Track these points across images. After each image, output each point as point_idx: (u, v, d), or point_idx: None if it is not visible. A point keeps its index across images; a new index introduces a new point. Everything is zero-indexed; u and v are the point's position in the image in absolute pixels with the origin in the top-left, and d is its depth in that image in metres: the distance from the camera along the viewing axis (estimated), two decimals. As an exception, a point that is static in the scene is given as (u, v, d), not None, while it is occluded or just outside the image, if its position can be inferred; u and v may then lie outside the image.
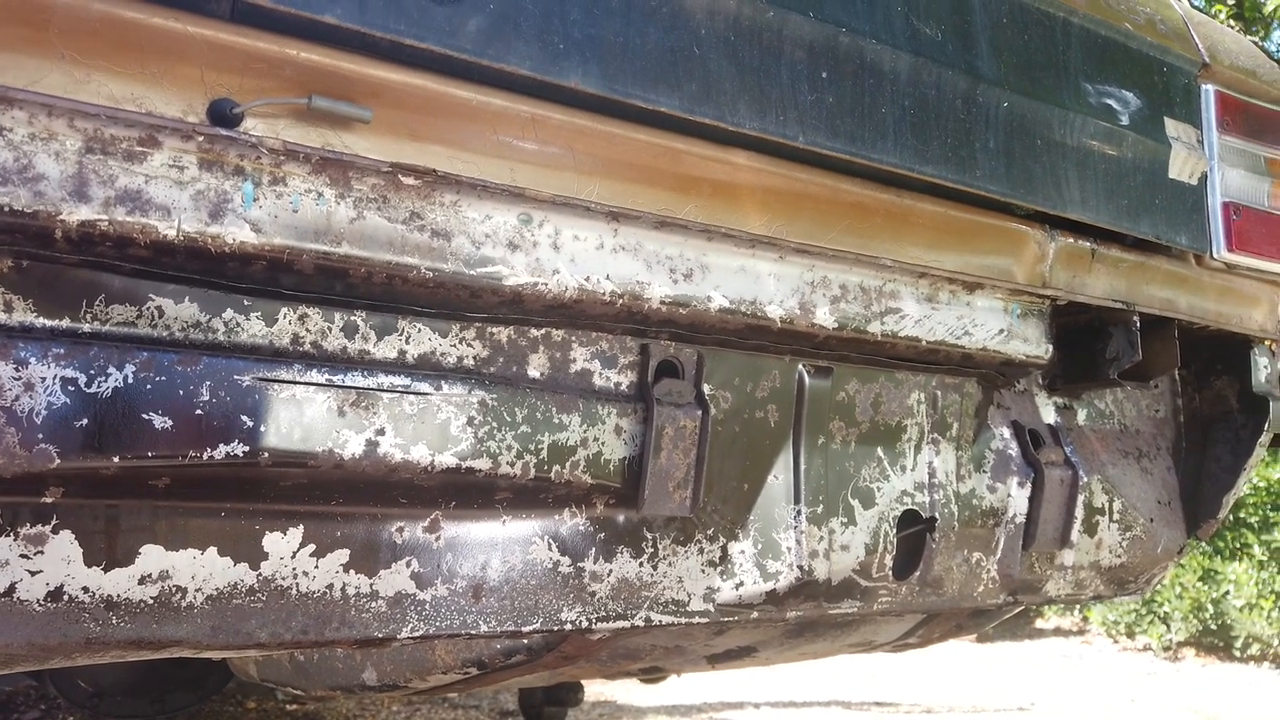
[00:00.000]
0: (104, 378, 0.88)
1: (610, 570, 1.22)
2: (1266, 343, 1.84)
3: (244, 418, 0.94)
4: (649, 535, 1.25)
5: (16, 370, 0.84)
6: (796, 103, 1.20)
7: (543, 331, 1.18)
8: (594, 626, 1.21)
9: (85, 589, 0.92)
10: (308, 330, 1.02)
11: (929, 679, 5.80)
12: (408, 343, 1.08)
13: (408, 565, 1.09)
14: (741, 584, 1.31)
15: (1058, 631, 7.98)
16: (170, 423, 0.90)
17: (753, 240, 1.24)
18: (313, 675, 1.64)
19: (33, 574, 0.89)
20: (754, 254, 1.26)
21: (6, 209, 0.83)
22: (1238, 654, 6.66)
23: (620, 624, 1.23)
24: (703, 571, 1.29)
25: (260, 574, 1.00)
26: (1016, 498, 1.56)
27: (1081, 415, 1.75)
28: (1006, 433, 1.58)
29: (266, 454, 0.95)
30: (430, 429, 1.04)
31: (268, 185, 0.94)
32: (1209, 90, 1.69)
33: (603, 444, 1.17)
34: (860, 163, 1.26)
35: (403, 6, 0.94)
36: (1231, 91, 1.71)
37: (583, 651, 1.39)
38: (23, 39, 0.82)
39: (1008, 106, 1.40)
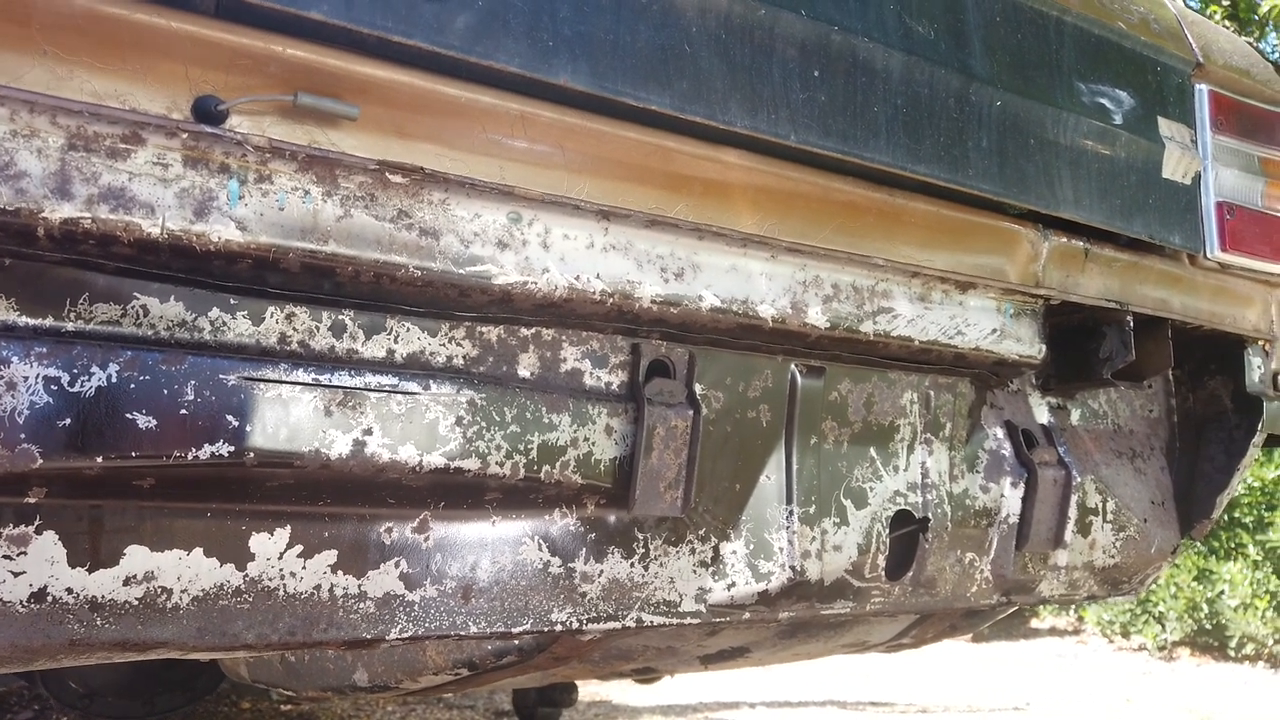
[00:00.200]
0: (87, 377, 0.87)
1: (601, 571, 1.21)
2: (1260, 343, 1.84)
3: (230, 417, 0.93)
4: (640, 536, 1.24)
5: (-2, 369, 0.83)
6: (788, 101, 1.19)
7: (533, 331, 1.17)
8: (585, 627, 1.21)
9: (69, 590, 0.91)
10: (295, 329, 1.02)
11: (924, 679, 5.80)
12: (396, 342, 1.08)
13: (396, 566, 1.08)
14: (733, 584, 1.31)
15: (1053, 631, 7.99)
16: (155, 422, 0.89)
17: (744, 239, 1.24)
18: (304, 676, 1.63)
19: (15, 575, 0.88)
20: (745, 253, 1.25)
21: None
22: (1232, 654, 6.67)
23: (611, 625, 1.22)
24: (694, 572, 1.28)
25: (247, 575, 0.99)
26: (1010, 498, 1.55)
27: (1075, 415, 1.75)
28: (1000, 433, 1.57)
29: (253, 454, 0.94)
30: (419, 429, 1.04)
31: (253, 183, 0.93)
32: (1202, 90, 1.69)
33: (593, 444, 1.16)
34: (852, 162, 1.26)
35: (390, 3, 0.94)
36: (1225, 91, 1.71)
37: (574, 652, 1.38)
38: (3, 35, 0.81)
39: (1001, 105, 1.39)
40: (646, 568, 1.25)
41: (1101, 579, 1.74)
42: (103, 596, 0.92)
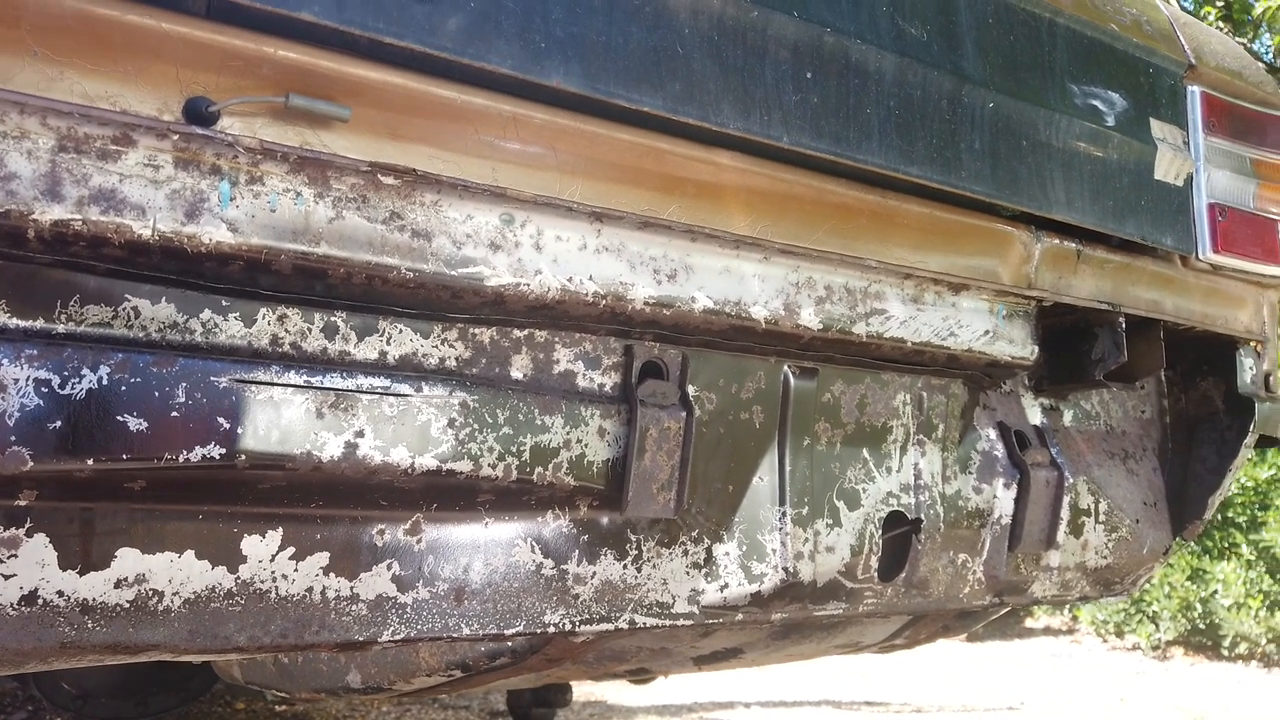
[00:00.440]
0: (78, 379, 0.87)
1: (594, 572, 1.21)
2: (1252, 344, 1.84)
3: (221, 420, 0.93)
4: (633, 537, 1.24)
5: (-12, 372, 0.83)
6: (781, 103, 1.19)
7: (525, 332, 1.17)
8: (578, 629, 1.21)
9: (60, 593, 0.91)
10: (287, 331, 1.01)
11: (919, 678, 5.81)
12: (388, 344, 1.07)
13: (389, 568, 1.08)
14: (726, 586, 1.31)
15: (1047, 631, 8.01)
16: (146, 425, 0.89)
17: (737, 241, 1.24)
18: (297, 678, 1.63)
19: (6, 578, 0.88)
20: (738, 255, 1.26)
21: None
22: (1226, 653, 6.69)
23: (604, 626, 1.22)
24: (687, 573, 1.28)
25: (239, 577, 0.99)
26: (1002, 499, 1.56)
27: (1067, 416, 1.75)
28: (992, 434, 1.58)
29: (244, 456, 0.94)
30: (411, 431, 1.03)
31: (245, 184, 0.93)
32: (1195, 91, 1.69)
33: (586, 445, 1.16)
34: (845, 163, 1.26)
35: (381, 4, 0.93)
36: (1217, 93, 1.72)
37: (567, 654, 1.38)
38: (-6, 36, 0.81)
39: (993, 107, 1.40)
40: (639, 569, 1.25)
41: (1094, 579, 1.74)
42: (94, 599, 0.92)
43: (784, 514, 1.34)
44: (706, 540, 1.30)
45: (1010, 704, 5.17)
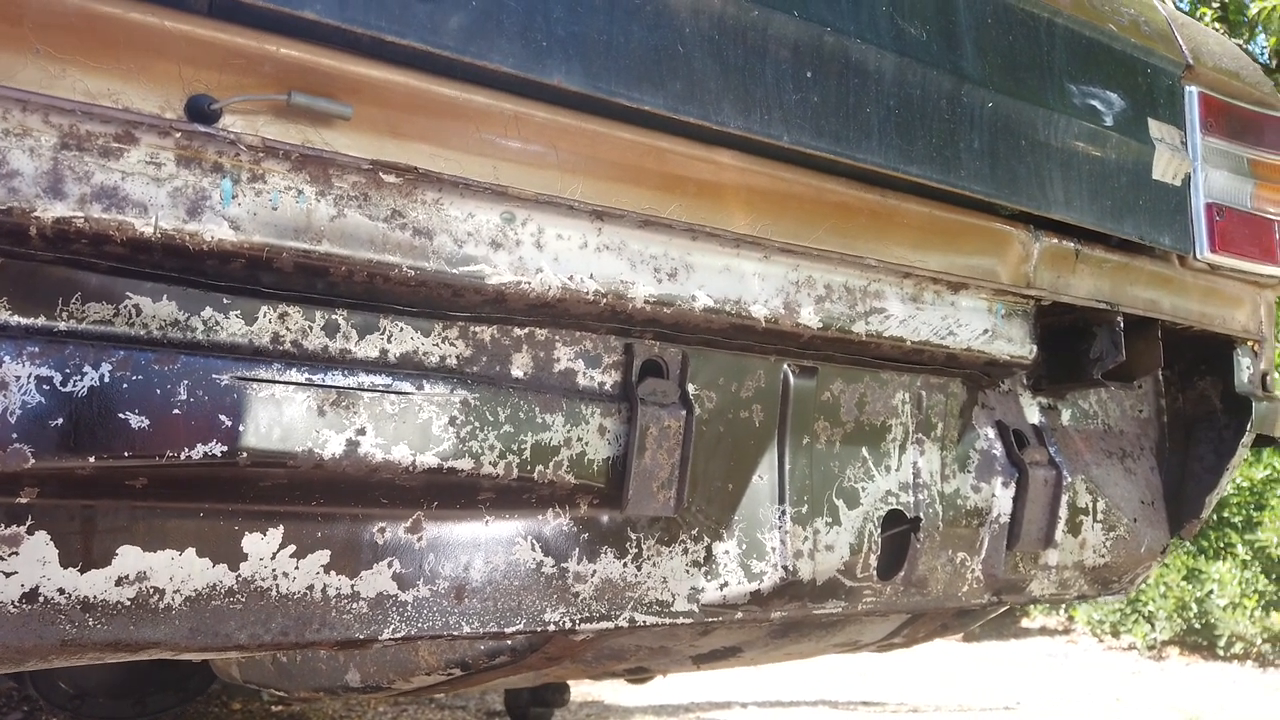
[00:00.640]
0: (80, 377, 0.87)
1: (594, 571, 1.21)
2: (1249, 343, 1.85)
3: (223, 417, 0.93)
4: (633, 535, 1.25)
5: (-10, 369, 0.83)
6: (781, 102, 1.19)
7: (526, 331, 1.17)
8: (578, 627, 1.21)
9: (61, 590, 0.91)
10: (288, 329, 1.01)
11: (916, 678, 5.81)
12: (389, 342, 1.08)
13: (389, 566, 1.08)
14: (726, 584, 1.31)
15: (1043, 631, 8.02)
16: (147, 422, 0.89)
17: (737, 240, 1.24)
18: (296, 677, 1.63)
19: (7, 575, 0.88)
20: (739, 253, 1.26)
21: None
22: (1221, 653, 6.70)
23: (604, 625, 1.23)
24: (687, 572, 1.29)
25: (239, 575, 0.99)
26: (1001, 498, 1.56)
27: (1066, 415, 1.75)
28: (991, 433, 1.58)
29: (245, 454, 0.94)
30: (412, 429, 1.04)
31: (247, 182, 0.93)
32: (1192, 92, 1.70)
33: (586, 444, 1.16)
34: (845, 162, 1.26)
35: (383, 2, 0.94)
36: (1215, 93, 1.72)
37: (567, 652, 1.38)
38: (-4, 33, 0.81)
39: (992, 107, 1.40)
40: (639, 568, 1.25)
41: (1092, 578, 1.75)
42: (95, 597, 0.92)
43: (783, 512, 1.35)
44: (706, 539, 1.30)
45: (1006, 704, 5.18)
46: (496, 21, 1.00)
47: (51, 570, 0.90)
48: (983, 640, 7.49)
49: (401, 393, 1.03)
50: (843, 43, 1.25)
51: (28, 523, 0.89)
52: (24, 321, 0.88)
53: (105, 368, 0.88)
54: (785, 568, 1.34)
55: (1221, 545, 7.04)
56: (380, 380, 1.03)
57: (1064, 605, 7.68)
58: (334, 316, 1.04)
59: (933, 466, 1.51)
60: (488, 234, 1.07)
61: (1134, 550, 1.77)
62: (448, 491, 1.10)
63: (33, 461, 0.84)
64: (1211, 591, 6.70)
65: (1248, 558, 6.82)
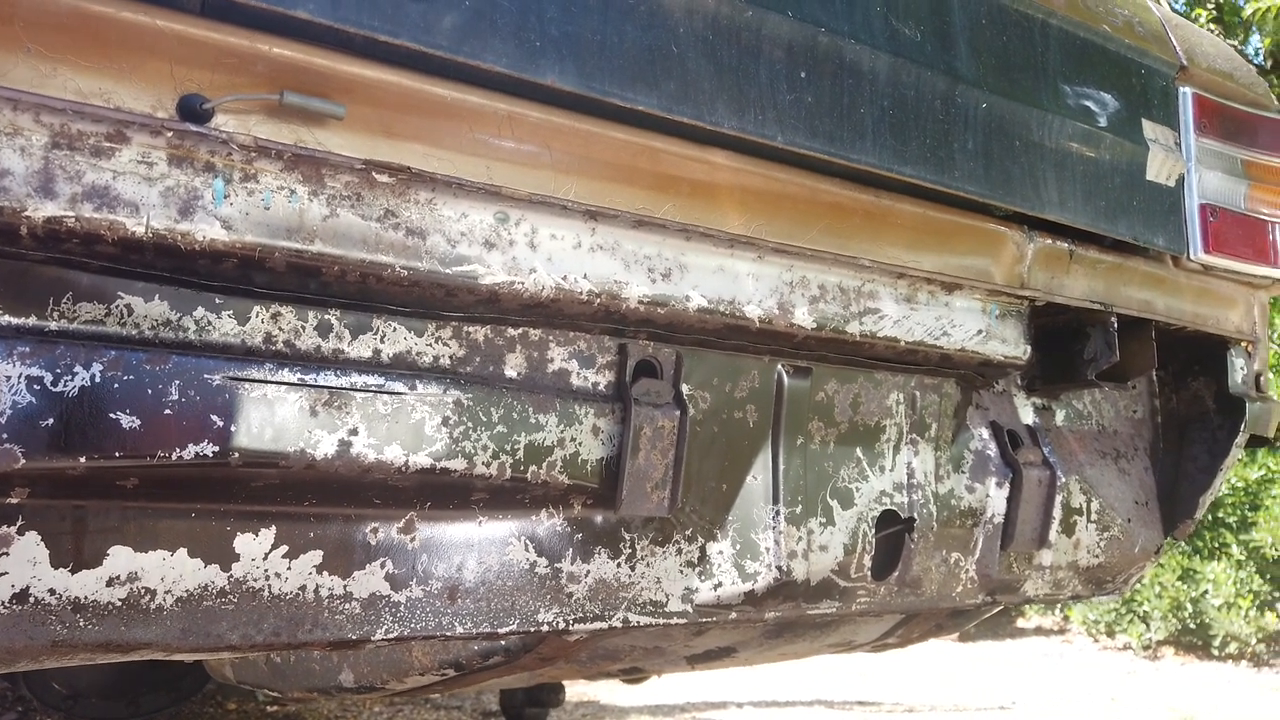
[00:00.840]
0: (71, 377, 0.87)
1: (588, 571, 1.21)
2: (1242, 344, 1.85)
3: (214, 417, 0.92)
4: (627, 536, 1.24)
5: (-20, 369, 0.83)
6: (775, 102, 1.19)
7: (520, 331, 1.17)
8: (571, 628, 1.21)
9: (52, 591, 0.90)
10: (281, 329, 1.01)
11: (912, 678, 5.82)
12: (382, 342, 1.07)
13: (382, 566, 1.08)
14: (720, 584, 1.31)
15: (1039, 630, 8.03)
16: (139, 422, 0.89)
17: (731, 240, 1.24)
18: (289, 677, 1.63)
19: (-2, 576, 0.88)
20: (732, 254, 1.26)
21: None
22: (1216, 653, 6.72)
23: (598, 625, 1.22)
24: (681, 572, 1.29)
25: (231, 576, 0.99)
26: (995, 498, 1.56)
27: (1060, 416, 1.76)
28: (985, 433, 1.58)
29: (237, 454, 0.94)
30: (405, 429, 1.03)
31: (239, 182, 0.93)
32: (1186, 93, 1.70)
33: (580, 444, 1.16)
34: (839, 163, 1.26)
35: (376, 2, 0.93)
36: (1209, 94, 1.72)
37: (561, 653, 1.38)
38: (-13, 32, 0.81)
39: (986, 107, 1.40)
40: (633, 568, 1.25)
41: (1086, 578, 1.75)
42: (86, 597, 0.92)
43: (778, 513, 1.35)
44: (700, 539, 1.30)
45: (1002, 703, 5.18)
46: (490, 21, 1.00)
47: (42, 571, 0.90)
48: (978, 640, 7.50)
49: (394, 393, 1.03)
50: (837, 43, 1.25)
51: (18, 523, 0.88)
52: (15, 321, 0.88)
53: (96, 368, 0.88)
54: (779, 568, 1.34)
55: (1216, 545, 7.05)
56: (373, 380, 1.02)
57: (1059, 605, 7.69)
58: (327, 316, 1.04)
59: (927, 467, 1.51)
60: (481, 234, 1.07)
61: (1128, 550, 1.77)
62: (441, 492, 1.10)
63: (23, 462, 0.84)
64: (1206, 591, 6.71)
65: (1242, 558, 6.83)
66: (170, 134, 0.89)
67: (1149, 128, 1.62)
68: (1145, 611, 6.96)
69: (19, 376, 0.84)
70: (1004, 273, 1.50)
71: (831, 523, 1.39)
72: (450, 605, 1.12)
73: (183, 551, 0.96)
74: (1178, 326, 1.73)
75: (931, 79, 1.34)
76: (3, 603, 0.88)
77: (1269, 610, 6.65)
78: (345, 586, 1.05)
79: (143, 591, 0.94)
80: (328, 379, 0.99)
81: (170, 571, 0.96)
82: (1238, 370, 1.84)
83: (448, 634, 1.13)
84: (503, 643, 1.35)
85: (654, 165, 1.17)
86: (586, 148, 1.12)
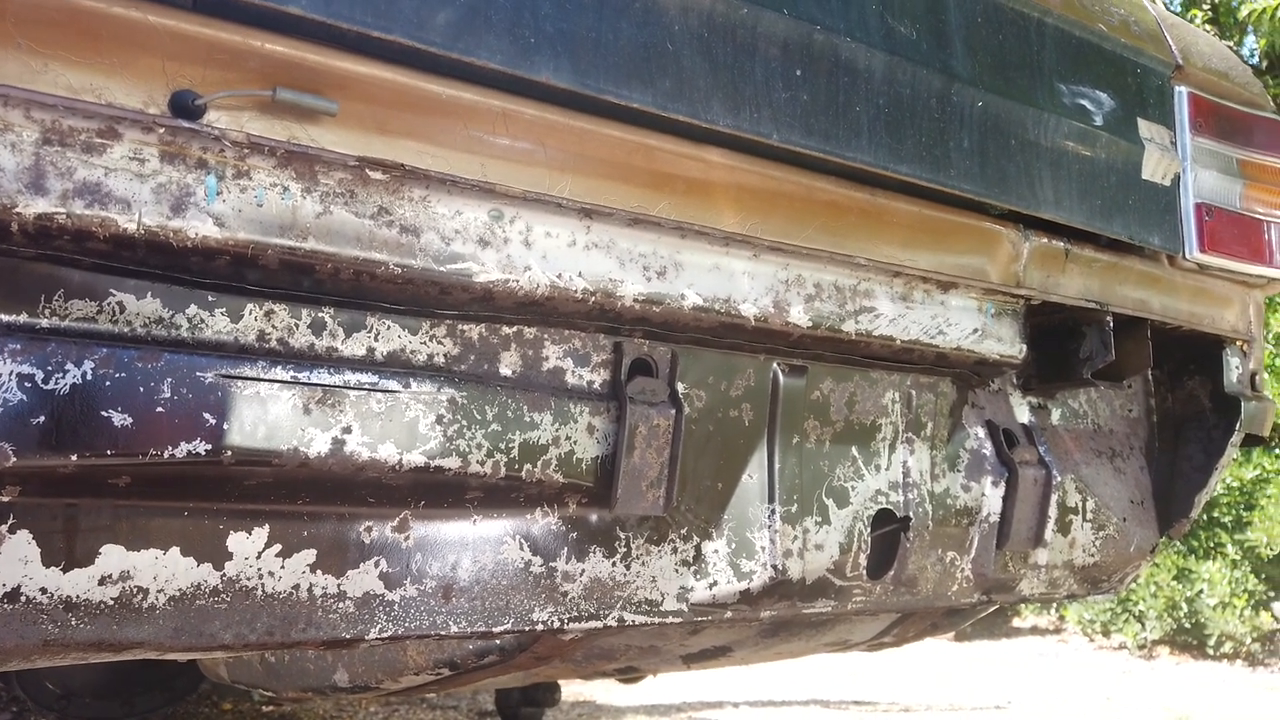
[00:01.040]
0: (62, 374, 0.86)
1: (583, 570, 1.21)
2: (1238, 343, 1.85)
3: (207, 415, 0.92)
4: (622, 535, 1.24)
5: (-30, 366, 0.82)
6: (770, 100, 1.19)
7: (514, 329, 1.17)
8: (566, 627, 1.20)
9: (43, 590, 0.90)
10: (273, 327, 1.01)
11: (907, 677, 5.82)
12: (376, 340, 1.07)
13: (376, 565, 1.08)
14: (715, 583, 1.31)
15: (1034, 630, 8.04)
16: (130, 420, 0.88)
17: (726, 238, 1.24)
18: (284, 677, 1.62)
19: (-12, 575, 0.87)
20: (728, 252, 1.25)
21: None
22: (1211, 652, 6.73)
23: (593, 624, 1.22)
24: (676, 571, 1.28)
25: (224, 574, 0.99)
26: (990, 497, 1.56)
27: (1055, 415, 1.76)
28: (981, 432, 1.58)
29: (230, 452, 0.93)
30: (399, 427, 1.03)
31: (231, 179, 0.93)
32: (1182, 92, 1.70)
33: (575, 443, 1.16)
34: (835, 161, 1.26)
35: (370, -2, 0.93)
36: (1204, 93, 1.72)
37: (556, 652, 1.38)
38: (-23, 27, 0.80)
39: (982, 106, 1.40)
40: (628, 567, 1.24)
41: (1081, 578, 1.75)
42: (77, 596, 0.91)
43: (773, 511, 1.34)
44: (695, 538, 1.30)
45: (997, 703, 5.19)
46: (484, 17, 0.99)
47: (33, 569, 0.89)
48: (974, 639, 7.51)
49: (388, 391, 1.03)
50: (832, 41, 1.25)
51: (9, 521, 0.88)
52: (5, 318, 0.88)
53: (88, 365, 0.87)
54: (775, 567, 1.34)
55: (1211, 545, 7.07)
56: (367, 378, 1.02)
57: (1055, 605, 7.70)
58: (320, 314, 1.04)
59: (922, 466, 1.51)
60: (475, 231, 1.07)
61: (1123, 549, 1.77)
62: (435, 490, 1.09)
63: (14, 460, 0.84)
64: (1201, 591, 6.72)
65: (1237, 557, 6.85)
66: (162, 130, 0.89)
67: (1144, 127, 1.62)
68: (1140, 611, 6.97)
69: (10, 374, 0.84)
70: (1000, 271, 1.49)
71: (827, 522, 1.39)
72: (445, 604, 1.12)
73: (175, 550, 0.96)
74: (1173, 326, 1.73)
75: (927, 77, 1.34)
76: (-7, 602, 0.88)
77: (1264, 610, 6.66)
78: (339, 585, 1.05)
79: (135, 590, 0.94)
80: (321, 377, 0.99)
81: (163, 570, 0.95)
82: (1233, 369, 1.84)
83: (442, 633, 1.12)
84: (498, 642, 1.35)
85: (649, 163, 1.17)
86: (581, 145, 1.11)
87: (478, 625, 1.14)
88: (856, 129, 1.26)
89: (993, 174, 1.41)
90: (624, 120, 1.13)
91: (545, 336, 1.18)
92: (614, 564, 1.23)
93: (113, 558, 0.93)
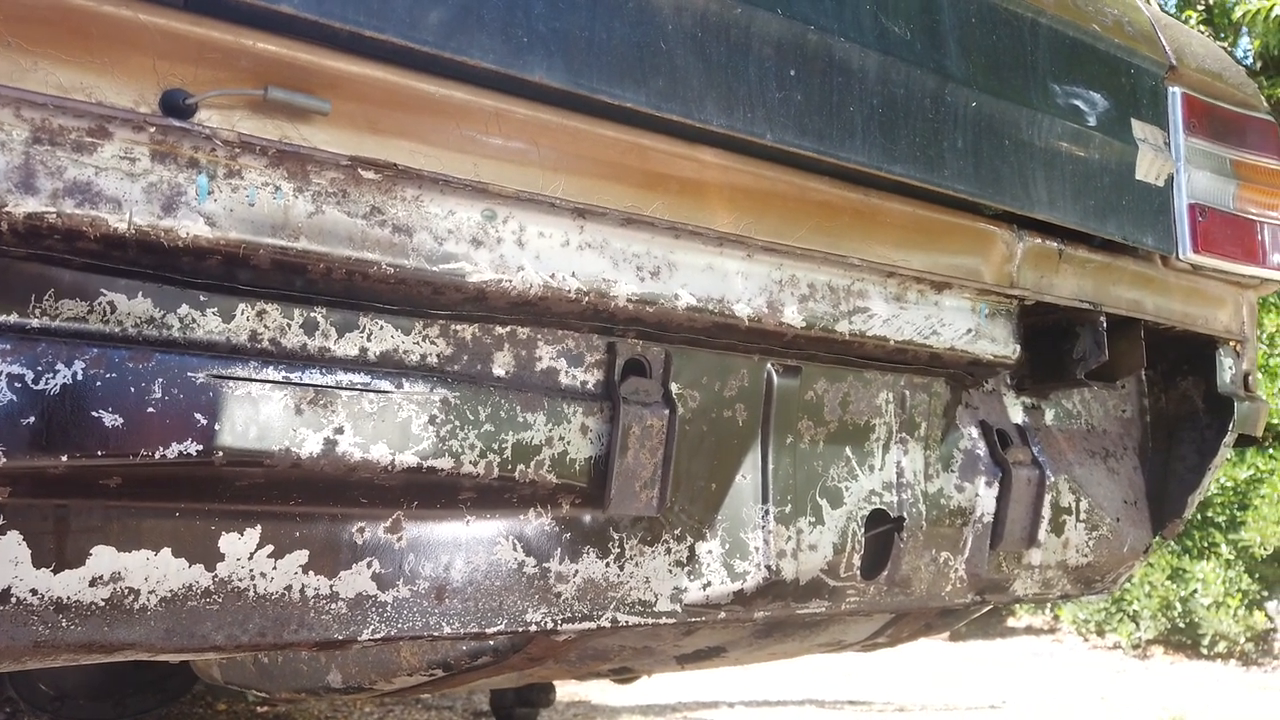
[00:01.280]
0: (52, 375, 0.86)
1: (576, 571, 1.21)
2: (1231, 343, 1.86)
3: (198, 416, 0.92)
4: (615, 535, 1.24)
5: (-40, 366, 0.82)
6: (764, 100, 1.19)
7: (507, 329, 1.16)
8: (560, 628, 1.20)
9: (34, 591, 0.90)
10: (265, 327, 1.00)
11: (902, 677, 5.83)
12: (369, 340, 1.07)
13: (369, 566, 1.07)
14: (709, 584, 1.31)
15: (1029, 630, 8.05)
16: (122, 421, 0.88)
17: (720, 238, 1.24)
18: (277, 678, 1.62)
19: (-22, 576, 0.87)
20: (721, 252, 1.25)
21: None
22: (1205, 652, 6.75)
23: (586, 625, 1.22)
24: (670, 572, 1.28)
25: (216, 575, 0.98)
26: (984, 497, 1.56)
27: (1049, 415, 1.76)
28: (974, 432, 1.58)
29: (222, 453, 0.93)
30: (391, 427, 1.03)
31: (223, 178, 0.92)
32: (1176, 92, 1.70)
33: (568, 443, 1.15)
34: (828, 161, 1.26)
35: (362, -3, 0.93)
36: (1198, 94, 1.73)
37: (550, 653, 1.37)
38: (-34, 25, 0.80)
39: (976, 106, 1.40)
40: (622, 567, 1.24)
41: (1075, 578, 1.75)
42: (68, 597, 0.91)
43: (767, 512, 1.34)
44: (689, 538, 1.29)
45: (992, 702, 5.19)
46: (477, 16, 0.99)
47: (24, 570, 0.89)
48: (968, 639, 7.52)
49: (381, 391, 1.03)
50: (826, 41, 1.25)
51: (-1, 522, 0.88)
52: (-5, 318, 0.87)
53: (78, 365, 0.87)
54: (768, 567, 1.33)
55: (1205, 545, 7.08)
56: (359, 379, 1.02)
57: (1049, 604, 7.71)
58: (312, 314, 1.03)
59: (916, 466, 1.51)
60: (468, 231, 1.07)
61: (1117, 549, 1.78)
62: (428, 491, 1.09)
63: (4, 460, 0.83)
64: (1195, 591, 6.74)
65: (1231, 557, 6.86)
66: (153, 129, 0.88)
67: (1138, 127, 1.62)
68: (1135, 611, 6.99)
69: (-1, 374, 0.84)
70: (993, 272, 1.50)
71: (821, 522, 1.39)
72: (438, 605, 1.12)
73: (166, 551, 0.95)
74: (1167, 326, 1.73)
75: (921, 78, 1.34)
76: (-17, 603, 0.87)
77: (1258, 609, 6.68)
78: (331, 586, 1.05)
79: (126, 591, 0.94)
80: (313, 377, 0.99)
81: (154, 571, 0.95)
82: (1226, 370, 1.84)
83: (435, 634, 1.12)
84: (491, 643, 1.34)
85: (642, 163, 1.16)
86: (574, 145, 1.11)
87: (471, 626, 1.14)
88: (850, 129, 1.26)
89: (986, 174, 1.41)
90: (617, 120, 1.12)
91: (539, 337, 1.18)
92: (608, 565, 1.23)
93: (104, 559, 0.92)
